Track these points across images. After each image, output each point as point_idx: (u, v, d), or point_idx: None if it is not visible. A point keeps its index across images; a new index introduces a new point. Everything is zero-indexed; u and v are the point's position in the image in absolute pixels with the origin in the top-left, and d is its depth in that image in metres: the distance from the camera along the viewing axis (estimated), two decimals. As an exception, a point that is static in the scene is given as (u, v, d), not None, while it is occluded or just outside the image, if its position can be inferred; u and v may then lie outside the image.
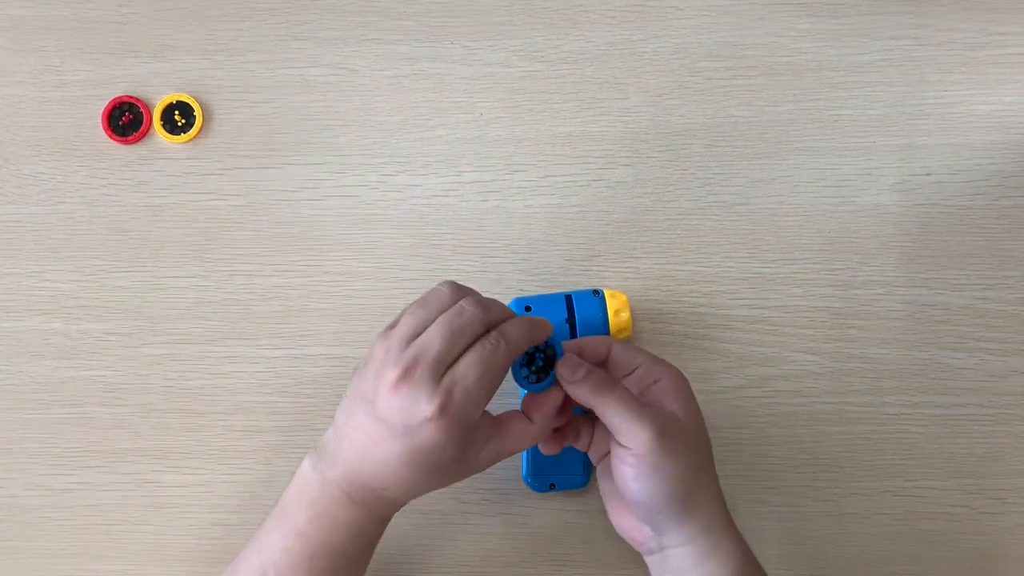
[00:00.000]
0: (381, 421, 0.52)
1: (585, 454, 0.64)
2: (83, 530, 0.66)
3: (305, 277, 0.69)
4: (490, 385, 0.53)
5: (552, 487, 0.65)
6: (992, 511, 0.65)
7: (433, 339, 0.52)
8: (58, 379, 0.68)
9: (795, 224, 0.68)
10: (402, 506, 0.57)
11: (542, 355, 0.56)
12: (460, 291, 0.55)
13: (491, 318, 0.54)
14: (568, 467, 0.64)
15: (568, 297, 0.64)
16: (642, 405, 0.55)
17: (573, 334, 0.63)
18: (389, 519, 0.58)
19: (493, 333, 0.53)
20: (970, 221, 0.68)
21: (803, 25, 0.70)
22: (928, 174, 0.69)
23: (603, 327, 0.63)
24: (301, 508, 0.55)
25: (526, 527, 0.66)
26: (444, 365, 0.52)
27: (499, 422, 0.56)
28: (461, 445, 0.53)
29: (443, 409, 0.51)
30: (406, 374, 0.51)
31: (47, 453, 0.67)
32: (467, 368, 0.52)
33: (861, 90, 0.70)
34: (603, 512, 0.65)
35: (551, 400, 0.57)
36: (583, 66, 0.70)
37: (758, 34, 0.70)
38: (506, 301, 0.64)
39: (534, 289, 0.68)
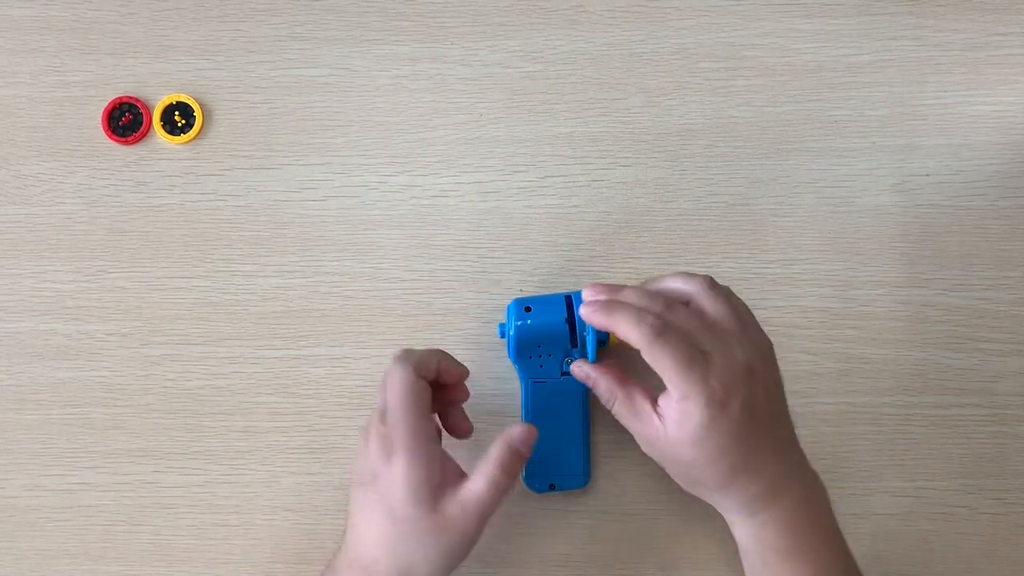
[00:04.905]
0: (364, 485, 0.56)
1: (585, 454, 0.64)
2: (83, 530, 0.66)
3: (305, 277, 0.69)
4: (403, 403, 0.56)
5: (552, 487, 0.64)
6: (992, 511, 0.65)
7: (379, 398, 0.58)
8: (58, 379, 0.68)
9: (795, 224, 0.68)
10: None
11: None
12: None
13: (410, 355, 0.58)
14: (568, 467, 0.64)
15: (568, 297, 0.64)
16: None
17: (573, 334, 0.63)
18: None
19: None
20: (970, 221, 0.68)
21: (803, 25, 0.70)
22: (928, 174, 0.69)
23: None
24: None
25: (526, 527, 0.66)
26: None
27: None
28: (414, 469, 0.55)
29: (391, 441, 0.55)
30: (364, 433, 0.58)
31: (47, 453, 0.67)
32: (387, 399, 0.56)
33: (861, 90, 0.70)
34: (603, 512, 0.65)
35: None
36: (583, 66, 0.70)
37: (758, 34, 0.70)
38: (506, 301, 0.65)
39: (534, 289, 0.68)
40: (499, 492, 0.55)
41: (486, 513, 0.55)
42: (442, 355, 0.60)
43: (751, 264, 0.68)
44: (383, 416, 0.56)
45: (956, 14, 0.70)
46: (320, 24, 0.71)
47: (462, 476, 0.57)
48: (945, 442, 0.66)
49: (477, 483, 0.55)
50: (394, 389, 0.56)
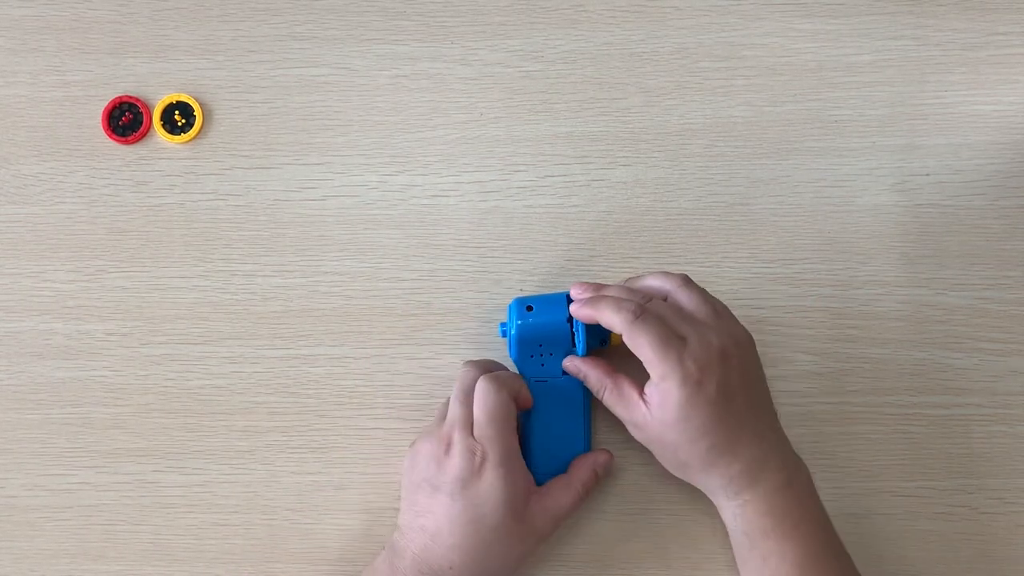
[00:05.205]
0: (440, 492, 0.58)
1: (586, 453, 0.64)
2: (83, 530, 0.66)
3: (305, 277, 0.69)
4: (499, 421, 0.59)
5: (552, 487, 0.64)
6: (992, 511, 0.65)
7: (453, 408, 0.60)
8: (58, 379, 0.68)
9: (795, 224, 0.68)
10: None
11: None
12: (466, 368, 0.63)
13: (482, 369, 0.62)
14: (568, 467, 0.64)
15: (568, 297, 0.64)
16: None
17: (573, 334, 0.63)
18: None
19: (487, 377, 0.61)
20: (970, 221, 0.68)
21: (803, 25, 0.70)
22: (928, 174, 0.69)
23: (602, 327, 0.63)
24: None
25: (526, 527, 0.66)
26: (470, 423, 0.60)
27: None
28: (510, 483, 0.58)
29: (482, 454, 0.58)
30: (446, 442, 0.59)
31: (47, 453, 0.67)
32: (478, 414, 0.59)
33: (861, 90, 0.70)
34: (604, 512, 0.65)
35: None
36: (583, 66, 0.70)
37: (758, 34, 0.70)
38: (506, 301, 0.65)
39: (534, 289, 0.68)
40: (578, 507, 0.62)
41: (562, 522, 0.62)
42: (522, 383, 0.62)
43: (751, 264, 0.68)
44: (467, 427, 0.59)
45: (956, 14, 0.70)
46: (320, 24, 0.71)
47: (535, 486, 0.61)
48: (945, 442, 0.66)
49: (566, 498, 0.61)
50: (490, 406, 0.59)
